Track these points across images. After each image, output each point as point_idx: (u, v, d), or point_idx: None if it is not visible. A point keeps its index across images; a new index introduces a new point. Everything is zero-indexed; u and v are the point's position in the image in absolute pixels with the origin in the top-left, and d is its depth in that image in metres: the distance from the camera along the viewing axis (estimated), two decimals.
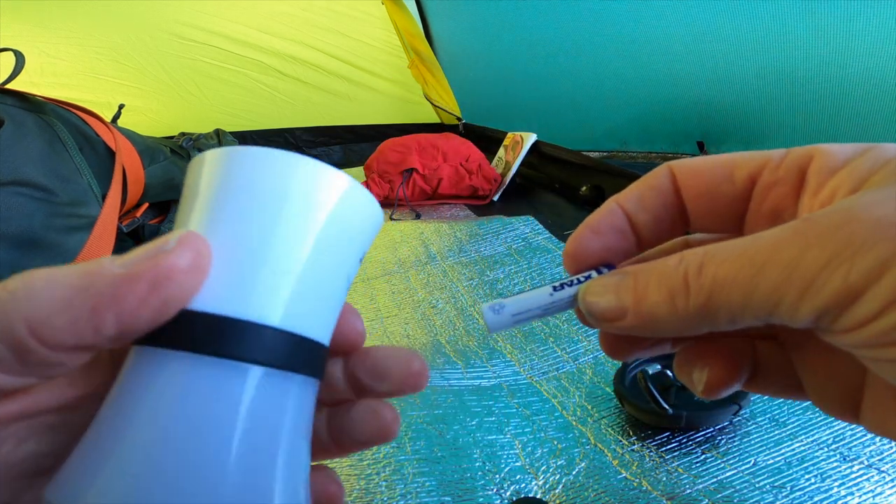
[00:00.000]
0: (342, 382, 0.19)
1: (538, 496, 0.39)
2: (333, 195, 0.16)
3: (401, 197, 1.13)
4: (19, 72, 0.82)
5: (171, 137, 1.24)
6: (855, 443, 0.41)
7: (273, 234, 0.15)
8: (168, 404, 0.14)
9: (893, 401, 0.14)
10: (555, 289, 0.16)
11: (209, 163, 0.16)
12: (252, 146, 0.16)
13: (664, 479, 0.40)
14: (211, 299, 0.15)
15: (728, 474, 0.40)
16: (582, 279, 0.16)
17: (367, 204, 0.18)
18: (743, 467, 0.40)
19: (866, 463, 0.39)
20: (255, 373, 0.15)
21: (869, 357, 0.12)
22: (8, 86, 0.79)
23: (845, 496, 0.37)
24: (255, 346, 0.15)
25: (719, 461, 0.41)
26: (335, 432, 0.19)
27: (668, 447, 0.42)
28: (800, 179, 0.14)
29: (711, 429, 0.43)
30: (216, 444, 0.14)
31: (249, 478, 0.14)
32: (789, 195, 0.15)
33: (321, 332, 0.17)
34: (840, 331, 0.12)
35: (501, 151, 1.30)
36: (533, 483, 0.40)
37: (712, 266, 0.13)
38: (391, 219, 1.04)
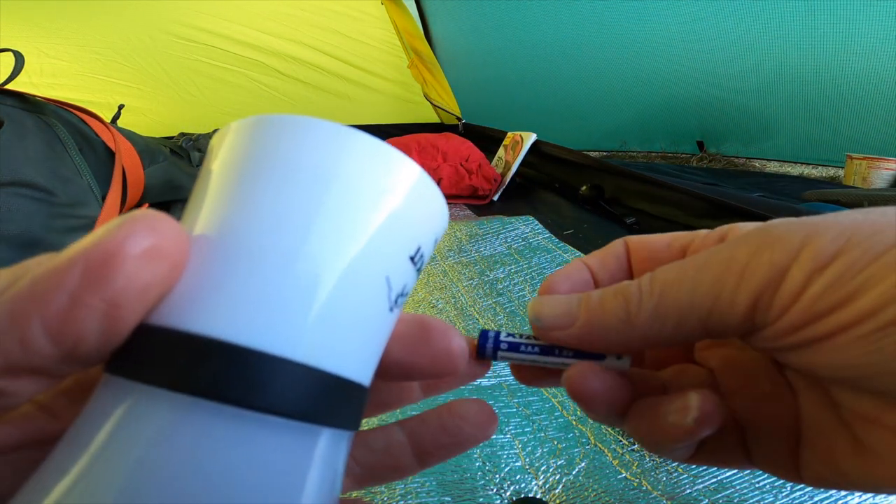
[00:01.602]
0: (416, 383, 0.17)
1: (538, 496, 0.39)
2: (401, 187, 0.12)
3: None
4: (19, 72, 0.82)
5: (171, 138, 1.24)
6: None
7: (307, 230, 0.11)
8: (125, 458, 0.10)
9: (825, 451, 0.15)
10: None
11: (231, 135, 0.13)
12: (289, 115, 0.12)
13: (664, 479, 0.40)
14: (203, 315, 0.10)
15: (728, 474, 0.40)
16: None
17: (439, 205, 0.14)
18: None
19: None
20: (267, 427, 0.11)
21: (799, 341, 0.13)
22: (7, 86, 0.79)
23: (845, 496, 0.37)
24: (269, 387, 0.10)
25: None
26: (426, 445, 0.17)
27: None
28: (721, 240, 0.17)
29: None
30: None
31: None
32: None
33: (362, 370, 0.12)
34: (774, 316, 0.13)
35: (501, 151, 1.30)
36: (533, 483, 0.40)
37: (661, 274, 0.15)
38: None
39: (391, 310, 0.13)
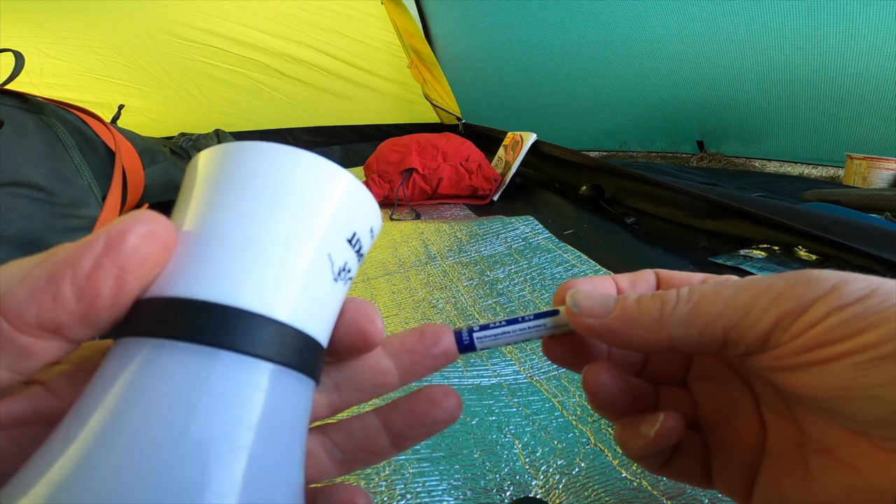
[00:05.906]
0: (392, 368, 0.18)
1: (538, 496, 0.39)
2: (338, 192, 0.16)
3: (401, 197, 1.13)
4: (19, 72, 0.82)
5: (171, 138, 1.24)
6: None
7: (272, 224, 0.15)
8: (146, 400, 0.12)
9: (780, 481, 0.17)
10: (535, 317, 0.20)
11: (202, 159, 0.16)
12: (245, 141, 0.16)
13: (664, 478, 0.40)
14: (184, 284, 0.14)
15: None
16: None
17: (370, 203, 0.17)
18: None
19: None
20: (263, 369, 0.14)
21: (800, 363, 0.15)
22: (7, 86, 0.79)
23: None
24: (262, 339, 0.14)
25: None
26: (398, 428, 0.18)
27: None
28: None
29: None
30: (213, 451, 0.12)
31: (253, 492, 0.13)
32: None
33: (321, 333, 0.16)
34: (788, 338, 0.15)
35: (501, 151, 1.30)
36: (533, 483, 0.40)
37: (700, 287, 0.17)
38: (391, 219, 1.04)
39: (335, 280, 0.16)
